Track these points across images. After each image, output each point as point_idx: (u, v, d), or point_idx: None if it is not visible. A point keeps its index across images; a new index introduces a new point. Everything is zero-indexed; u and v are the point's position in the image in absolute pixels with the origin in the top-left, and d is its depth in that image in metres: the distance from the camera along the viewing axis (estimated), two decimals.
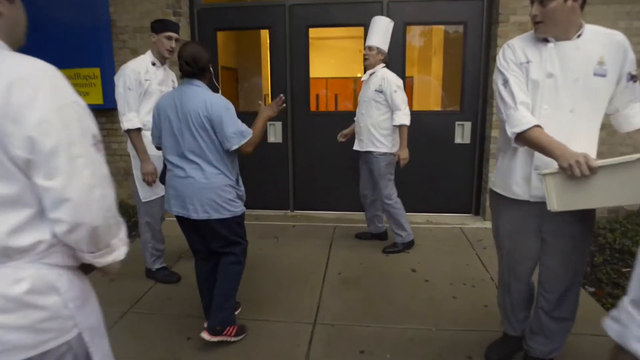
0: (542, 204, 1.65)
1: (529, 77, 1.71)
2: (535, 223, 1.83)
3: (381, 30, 3.26)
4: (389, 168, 3.38)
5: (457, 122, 4.20)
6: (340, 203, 4.51)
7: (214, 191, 2.14)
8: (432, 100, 6.10)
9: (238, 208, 2.25)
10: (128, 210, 4.41)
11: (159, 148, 2.31)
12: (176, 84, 3.08)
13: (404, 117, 3.24)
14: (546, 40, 1.69)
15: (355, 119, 3.52)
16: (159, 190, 2.96)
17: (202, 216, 2.16)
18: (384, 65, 3.34)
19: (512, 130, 1.67)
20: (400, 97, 3.23)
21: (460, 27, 4.17)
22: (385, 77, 3.24)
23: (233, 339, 2.32)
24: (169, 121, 2.14)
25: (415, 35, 6.57)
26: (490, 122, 4.01)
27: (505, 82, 1.74)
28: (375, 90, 3.26)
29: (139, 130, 2.81)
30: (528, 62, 1.70)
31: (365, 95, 3.36)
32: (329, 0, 4.19)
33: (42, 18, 4.03)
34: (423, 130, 4.02)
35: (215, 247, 2.30)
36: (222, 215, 2.17)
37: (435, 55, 6.23)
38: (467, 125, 4.19)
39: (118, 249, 1.03)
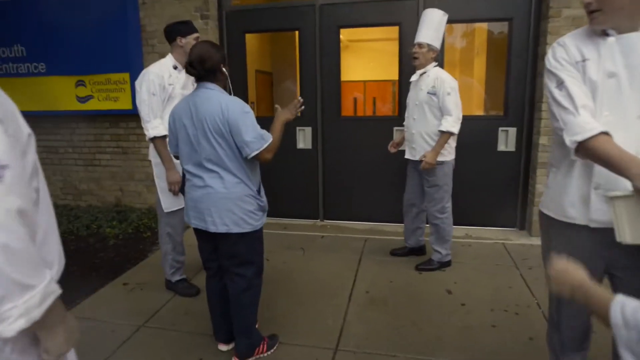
0: (606, 231, 1.35)
1: (586, 76, 1.41)
2: (597, 253, 1.51)
3: (433, 24, 2.95)
4: (446, 178, 3.09)
5: (500, 128, 3.85)
6: (372, 214, 4.26)
7: (233, 202, 1.99)
8: (474, 103, 5.73)
9: (259, 221, 2.09)
10: (156, 216, 4.36)
11: (177, 157, 2.18)
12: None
13: (453, 124, 2.91)
14: (605, 34, 1.39)
15: (404, 124, 3.25)
16: (182, 201, 2.84)
17: (221, 229, 2.00)
18: (436, 64, 3.04)
19: (572, 138, 1.36)
20: (453, 101, 2.91)
21: (506, 24, 3.83)
22: (438, 76, 2.94)
23: (266, 354, 2.26)
24: (185, 128, 2.00)
25: (456, 36, 6.21)
26: (539, 128, 3.64)
27: (560, 84, 1.44)
28: (428, 93, 2.97)
29: (164, 137, 2.71)
30: (584, 60, 1.41)
31: (416, 98, 3.07)
32: None
33: (72, 24, 4.08)
34: (463, 136, 3.69)
35: (226, 265, 2.13)
36: (242, 229, 2.02)
37: (478, 56, 5.84)
38: (512, 131, 3.82)
39: (5, 321, 0.72)
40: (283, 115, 2.14)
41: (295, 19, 4.08)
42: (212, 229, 2.01)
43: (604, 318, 0.88)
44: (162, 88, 2.70)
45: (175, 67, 2.79)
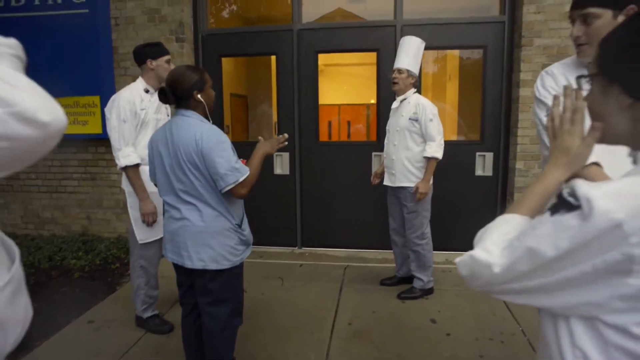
0: None
1: None
2: None
3: (412, 51, 2.98)
4: (425, 204, 3.06)
5: (477, 153, 3.88)
6: (351, 240, 4.18)
7: (212, 236, 1.87)
8: (448, 128, 5.82)
9: (239, 256, 1.97)
10: (126, 245, 4.15)
11: (157, 185, 2.05)
12: (169, 111, 2.86)
13: (437, 149, 2.93)
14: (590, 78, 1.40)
15: (384, 150, 3.22)
16: (158, 232, 2.69)
17: (197, 265, 1.87)
18: (415, 90, 3.06)
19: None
20: (436, 127, 2.93)
21: (477, 51, 3.92)
22: (419, 102, 2.95)
23: None
24: (161, 158, 1.89)
25: (428, 61, 6.35)
26: (515, 153, 3.69)
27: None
28: (410, 119, 2.97)
29: (137, 166, 2.57)
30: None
31: (397, 124, 3.06)
32: (339, 25, 4.00)
33: (40, 44, 3.91)
34: (441, 161, 3.72)
35: (201, 302, 2.00)
36: (219, 266, 1.89)
37: (450, 81, 5.97)
38: (489, 156, 3.87)
39: None
40: (263, 147, 2.03)
41: (273, 44, 4.05)
42: (188, 264, 1.89)
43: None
44: (134, 114, 2.57)
45: (147, 91, 2.67)
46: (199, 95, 1.87)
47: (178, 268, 2.01)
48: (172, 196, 1.91)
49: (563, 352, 0.69)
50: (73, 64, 3.93)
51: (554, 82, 1.49)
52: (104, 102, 3.94)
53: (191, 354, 2.14)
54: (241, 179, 1.81)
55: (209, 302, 1.97)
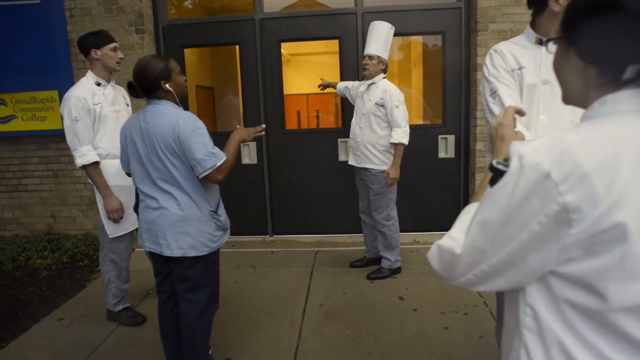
0: None
1: (523, 83, 1.50)
2: None
3: (382, 37, 3.01)
4: (390, 187, 3.14)
5: (440, 136, 4.01)
6: (321, 226, 4.26)
7: (190, 224, 1.89)
8: (414, 113, 5.95)
9: (216, 242, 2.00)
10: (94, 242, 4.09)
11: (129, 174, 2.04)
12: (128, 100, 2.81)
13: (403, 135, 2.99)
14: (540, 44, 1.49)
15: (351, 132, 3.27)
16: (129, 225, 2.68)
17: (176, 253, 1.89)
18: (385, 75, 3.11)
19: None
20: (402, 113, 2.99)
21: (439, 37, 4.03)
22: (387, 89, 3.00)
23: None
24: (135, 147, 1.88)
25: (394, 49, 6.45)
26: (475, 135, 3.84)
27: (494, 93, 1.53)
28: (376, 104, 3.02)
29: (96, 164, 2.53)
30: (520, 67, 1.50)
31: (363, 107, 3.11)
32: (300, 13, 4.01)
33: None
34: (406, 145, 3.84)
35: (179, 290, 2.02)
36: (198, 253, 1.91)
37: (415, 68, 6.09)
38: (451, 138, 4.00)
39: None
40: (239, 134, 2.04)
41: (235, 33, 4.03)
42: (167, 252, 1.90)
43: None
44: (87, 111, 2.49)
45: (98, 84, 2.59)
46: (167, 85, 1.85)
47: (155, 256, 2.01)
48: (149, 185, 1.91)
49: (518, 311, 0.71)
50: (28, 58, 3.79)
51: (502, 60, 1.56)
52: (62, 97, 3.85)
53: (168, 342, 2.16)
54: (218, 164, 1.83)
55: (187, 288, 1.99)
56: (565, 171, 0.59)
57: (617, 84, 0.67)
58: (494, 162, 0.71)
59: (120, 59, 2.63)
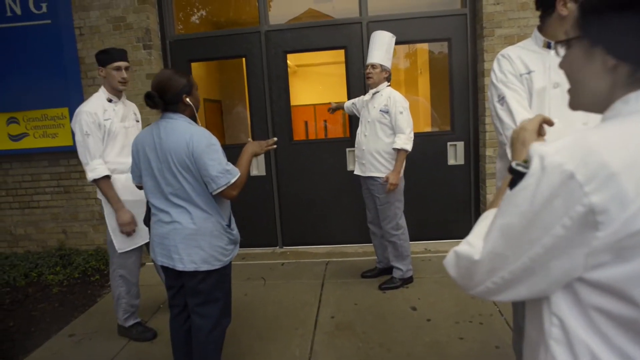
0: None
1: (533, 88, 1.47)
2: None
3: (383, 46, 3.04)
4: (397, 195, 3.10)
5: (449, 143, 3.98)
6: (331, 236, 4.23)
7: (203, 238, 1.88)
8: (422, 121, 5.93)
9: (229, 256, 1.99)
10: (105, 257, 4.10)
11: (140, 187, 2.04)
12: (139, 116, 2.84)
13: (406, 142, 2.97)
14: (548, 47, 1.47)
15: (356, 141, 3.26)
16: (138, 240, 2.68)
17: (189, 267, 1.88)
18: (389, 83, 3.12)
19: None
20: (406, 120, 2.98)
21: (444, 44, 4.02)
22: (391, 96, 3.01)
23: None
24: (149, 161, 1.88)
25: (400, 57, 6.45)
26: (484, 141, 3.80)
27: (502, 99, 1.50)
28: (381, 111, 3.02)
29: (107, 177, 2.55)
30: (529, 72, 1.47)
31: (368, 116, 3.11)
32: (305, 25, 4.03)
33: (3, 57, 3.84)
34: (415, 153, 3.80)
35: (191, 303, 2.00)
36: (210, 267, 1.90)
37: (422, 75, 6.08)
38: (460, 145, 3.97)
39: None
40: (251, 148, 2.04)
41: (241, 46, 4.06)
42: (180, 267, 1.89)
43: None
44: (98, 126, 2.52)
45: (109, 100, 2.63)
46: (187, 99, 1.87)
47: (167, 271, 2.00)
48: (161, 200, 1.90)
49: (543, 322, 0.68)
50: (39, 77, 3.85)
51: (510, 65, 1.54)
52: (72, 114, 3.89)
53: (179, 356, 2.14)
54: (232, 181, 1.83)
55: (199, 302, 1.98)
56: (590, 171, 0.56)
57: None
58: (514, 164, 0.68)
59: (124, 78, 2.61)
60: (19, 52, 3.85)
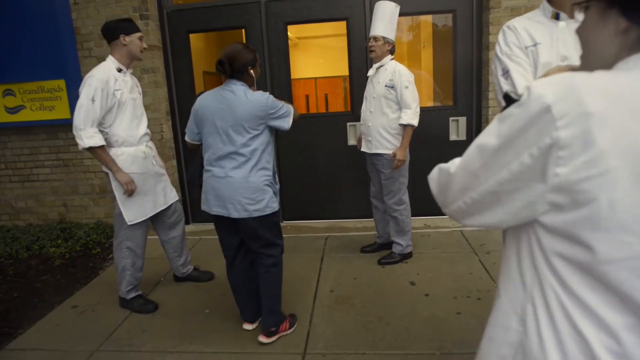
0: None
1: (538, 60, 1.42)
2: None
3: (386, 17, 2.92)
4: (401, 170, 3.08)
5: (451, 118, 3.93)
6: (331, 211, 4.23)
7: (253, 189, 2.14)
8: (424, 95, 5.85)
9: (275, 204, 2.24)
10: (106, 230, 4.12)
11: (193, 146, 2.36)
12: (140, 90, 2.80)
13: (412, 117, 2.92)
14: (556, 19, 1.41)
15: (361, 117, 3.20)
16: (147, 211, 2.71)
17: (243, 214, 2.15)
18: (392, 57, 3.03)
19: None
20: (412, 94, 2.92)
21: (449, 17, 3.91)
22: (396, 70, 2.93)
23: (289, 331, 2.44)
24: (213, 120, 2.12)
25: (403, 30, 6.31)
26: (487, 117, 3.75)
27: (506, 72, 1.46)
28: (386, 86, 2.95)
29: (102, 147, 2.51)
30: (535, 44, 1.42)
31: (373, 91, 3.04)
32: None
33: None
34: (416, 128, 3.77)
35: (254, 247, 2.30)
36: (262, 213, 2.17)
37: (425, 49, 5.95)
38: (462, 120, 3.92)
39: None
40: None
41: (241, 17, 3.96)
42: (235, 214, 2.15)
43: None
44: (106, 95, 2.48)
45: (119, 70, 2.59)
46: (252, 71, 2.18)
47: (222, 220, 2.25)
48: (219, 155, 2.15)
49: (526, 281, 0.71)
50: (34, 48, 3.77)
51: (515, 37, 1.49)
52: (69, 86, 3.85)
53: (242, 298, 2.45)
54: (292, 110, 2.25)
55: (262, 245, 2.27)
56: (566, 107, 0.58)
57: None
58: (509, 90, 0.72)
59: (145, 48, 2.66)
60: (13, 23, 3.75)
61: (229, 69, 2.11)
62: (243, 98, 2.09)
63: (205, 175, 2.25)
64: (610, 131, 0.56)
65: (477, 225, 0.75)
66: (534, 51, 1.43)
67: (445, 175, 0.79)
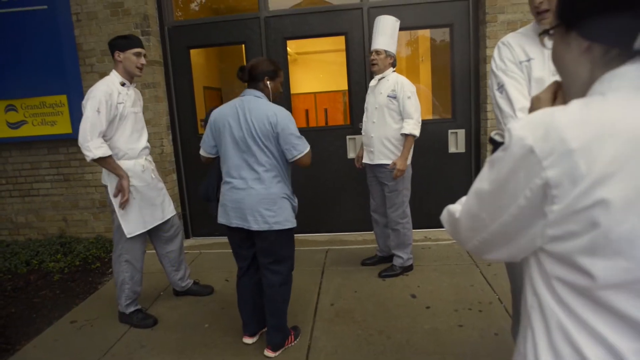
0: None
1: (531, 76, 1.45)
2: None
3: (387, 31, 2.98)
4: (405, 182, 3.09)
5: (449, 131, 3.95)
6: (332, 224, 4.23)
7: (273, 202, 2.14)
8: (424, 108, 5.89)
9: (294, 219, 2.25)
10: (105, 245, 4.11)
11: (207, 160, 2.34)
12: (142, 104, 2.84)
13: (414, 127, 2.95)
14: (548, 33, 1.44)
15: (363, 129, 3.21)
16: (147, 224, 2.72)
17: (263, 227, 2.14)
18: (394, 69, 3.08)
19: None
20: (414, 104, 2.96)
21: (447, 31, 3.96)
22: (398, 80, 2.98)
23: (294, 343, 2.44)
24: (231, 130, 2.13)
25: (401, 44, 6.39)
26: (485, 129, 3.77)
27: (501, 87, 1.49)
28: (388, 96, 2.99)
29: (109, 157, 2.54)
30: (529, 59, 1.45)
31: (375, 102, 3.07)
32: (305, 10, 3.98)
33: (1, 44, 3.81)
34: (415, 140, 3.79)
35: (264, 262, 2.27)
36: (282, 227, 2.16)
37: (423, 63, 6.02)
38: (461, 132, 3.94)
39: None
40: None
41: (240, 32, 4.01)
42: (255, 227, 2.14)
43: None
44: (110, 107, 2.52)
45: (122, 84, 2.63)
46: (267, 82, 2.19)
47: (237, 232, 2.24)
48: (239, 167, 2.15)
49: (526, 292, 0.73)
50: (36, 64, 3.82)
51: (509, 53, 1.52)
52: (71, 101, 3.89)
53: (247, 309, 2.43)
54: (308, 148, 2.16)
55: (272, 261, 2.25)
56: (549, 147, 0.60)
57: (622, 59, 0.65)
58: (493, 134, 0.73)
59: (142, 64, 2.67)
60: (16, 38, 3.80)
61: (247, 75, 2.16)
62: (255, 104, 2.10)
63: (224, 188, 2.24)
64: (597, 162, 0.57)
65: (496, 260, 0.77)
66: (527, 66, 1.46)
67: (452, 218, 0.81)
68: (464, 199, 0.80)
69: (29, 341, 2.66)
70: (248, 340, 2.47)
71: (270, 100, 2.22)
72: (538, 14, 1.45)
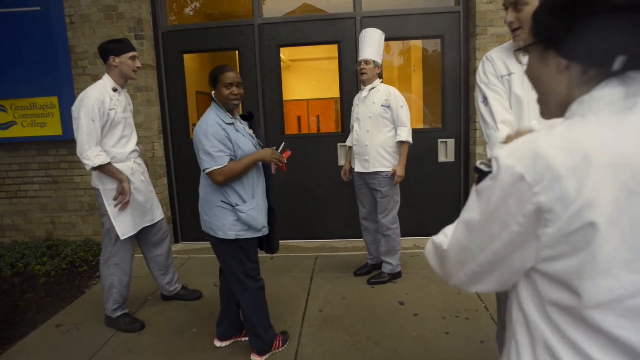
0: None
1: (511, 90, 1.51)
2: None
3: (374, 42, 3.07)
4: (396, 188, 3.16)
5: (439, 140, 4.01)
6: (321, 230, 4.24)
7: (209, 207, 2.17)
8: (414, 117, 5.95)
9: (237, 232, 2.12)
10: (93, 248, 4.08)
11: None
12: (131, 107, 2.85)
13: (408, 134, 3.06)
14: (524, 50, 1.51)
15: (355, 138, 3.23)
16: (138, 225, 2.73)
17: (204, 228, 2.24)
18: (381, 80, 3.15)
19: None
20: (406, 113, 3.07)
21: (438, 42, 4.03)
22: (390, 91, 3.07)
23: (281, 349, 2.42)
24: None
25: (394, 54, 6.47)
26: (474, 138, 3.83)
27: (485, 100, 1.55)
28: (382, 105, 3.06)
29: (108, 164, 2.55)
30: (510, 74, 1.52)
31: (369, 111, 3.12)
32: (299, 18, 4.02)
33: None
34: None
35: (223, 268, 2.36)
36: (214, 234, 2.17)
37: (415, 72, 6.10)
38: (450, 142, 3.99)
39: None
40: (262, 153, 2.19)
41: (234, 39, 4.04)
42: (202, 227, 2.24)
43: None
44: (102, 113, 2.52)
45: (114, 90, 2.63)
46: (212, 92, 2.18)
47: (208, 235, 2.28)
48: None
49: (512, 309, 0.73)
50: (28, 65, 3.80)
51: (492, 67, 1.59)
52: (62, 103, 3.87)
53: (221, 310, 2.49)
54: (213, 167, 2.05)
55: (221, 266, 2.34)
56: (537, 173, 0.61)
57: (599, 79, 0.67)
58: (478, 163, 0.73)
59: (138, 67, 2.68)
60: (8, 39, 3.79)
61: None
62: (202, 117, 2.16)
63: None
64: (583, 187, 0.59)
65: (483, 291, 0.76)
66: (508, 80, 1.53)
67: (440, 251, 0.80)
68: (447, 229, 0.80)
69: (12, 345, 2.62)
70: (217, 342, 2.49)
71: (224, 108, 2.16)
72: (512, 30, 1.51)
